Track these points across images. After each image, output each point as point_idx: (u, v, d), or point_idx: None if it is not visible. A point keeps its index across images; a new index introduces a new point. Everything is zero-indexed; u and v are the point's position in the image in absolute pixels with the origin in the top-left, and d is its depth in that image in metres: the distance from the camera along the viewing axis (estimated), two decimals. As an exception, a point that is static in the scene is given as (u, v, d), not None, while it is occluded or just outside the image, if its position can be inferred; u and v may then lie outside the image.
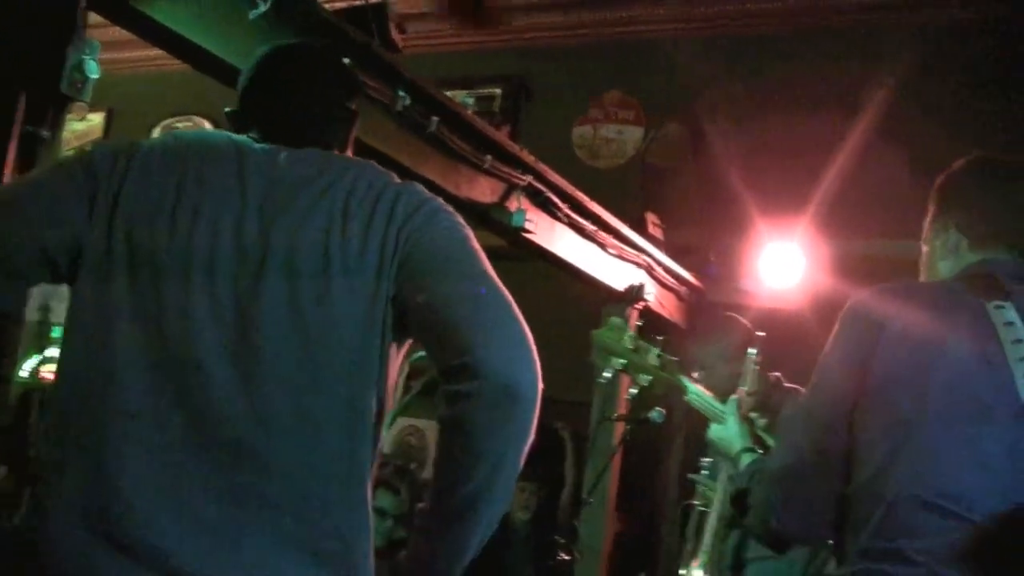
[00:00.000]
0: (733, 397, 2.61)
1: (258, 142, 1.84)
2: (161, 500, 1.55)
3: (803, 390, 4.06)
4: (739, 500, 2.33)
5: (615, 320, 2.55)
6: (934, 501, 1.79)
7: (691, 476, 3.14)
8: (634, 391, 2.51)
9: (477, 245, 1.78)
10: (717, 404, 2.61)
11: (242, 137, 1.85)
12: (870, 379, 1.92)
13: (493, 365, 1.60)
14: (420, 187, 1.85)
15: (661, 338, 2.50)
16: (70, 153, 1.94)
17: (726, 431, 2.59)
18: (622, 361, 2.44)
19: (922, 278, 2.29)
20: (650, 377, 2.47)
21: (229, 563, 1.55)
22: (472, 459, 1.62)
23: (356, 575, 1.66)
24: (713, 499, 3.07)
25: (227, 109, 1.98)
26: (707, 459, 3.14)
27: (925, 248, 2.28)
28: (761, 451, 2.55)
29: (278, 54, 2.00)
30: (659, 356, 2.47)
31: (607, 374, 2.44)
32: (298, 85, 1.95)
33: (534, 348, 1.66)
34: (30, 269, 1.70)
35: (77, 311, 1.67)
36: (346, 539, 1.64)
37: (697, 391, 2.56)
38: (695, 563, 2.98)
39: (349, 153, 2.02)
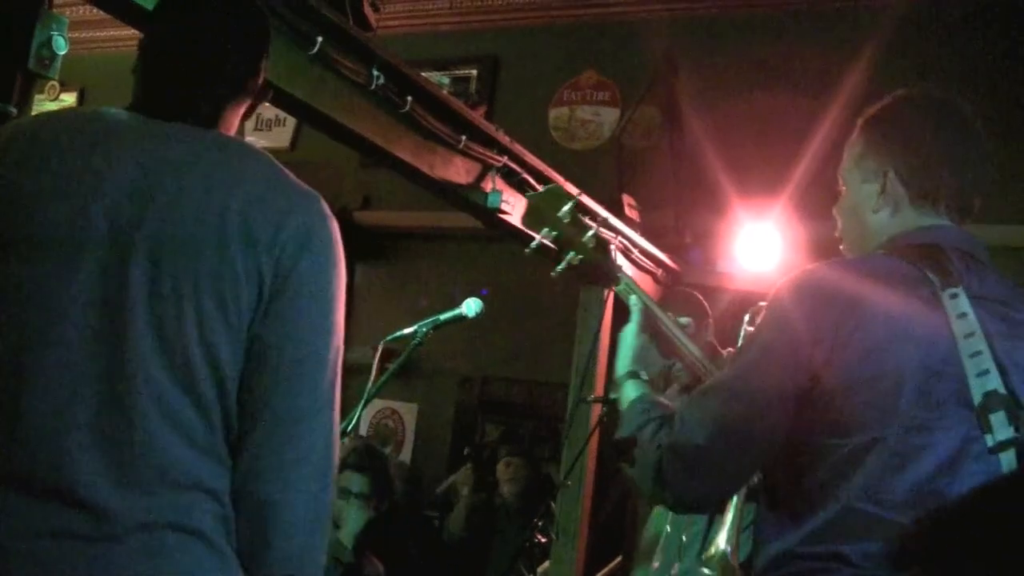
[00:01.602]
0: (654, 305, 2.27)
1: (137, 112, 1.77)
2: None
3: None
4: (622, 448, 2.01)
5: (555, 187, 2.29)
6: (884, 513, 1.69)
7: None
8: (560, 268, 2.23)
9: (339, 318, 1.76)
10: (646, 298, 2.28)
11: (115, 111, 1.78)
12: (833, 373, 1.74)
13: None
14: (325, 221, 1.78)
15: (599, 218, 2.29)
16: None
17: (626, 333, 2.24)
18: (554, 232, 2.19)
19: (841, 226, 2.12)
20: (581, 256, 2.22)
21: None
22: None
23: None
24: None
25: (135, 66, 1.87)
26: None
27: (846, 189, 2.08)
28: (647, 381, 2.18)
29: (165, 5, 1.88)
30: (595, 237, 2.22)
31: (534, 245, 2.20)
32: (187, 39, 1.82)
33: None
34: None
35: None
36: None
37: (630, 282, 2.29)
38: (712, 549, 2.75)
39: (237, 117, 1.89)
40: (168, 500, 1.60)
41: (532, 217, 2.21)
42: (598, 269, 2.27)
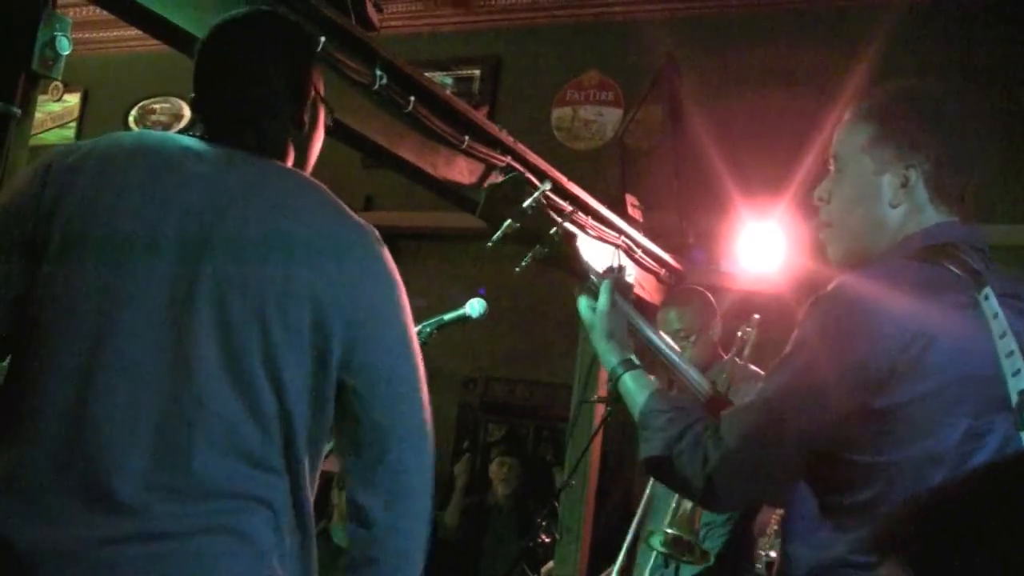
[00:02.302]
0: (608, 281, 2.14)
1: (203, 140, 1.83)
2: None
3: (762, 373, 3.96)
4: (661, 468, 1.90)
5: (517, 175, 2.18)
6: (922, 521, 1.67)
7: None
8: (523, 263, 2.11)
9: (414, 338, 1.91)
10: (620, 300, 2.15)
11: (186, 139, 1.83)
12: (885, 391, 1.68)
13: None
14: (385, 259, 1.89)
15: (570, 210, 2.14)
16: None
17: (596, 317, 2.11)
18: (516, 225, 2.06)
19: (837, 214, 1.98)
20: (546, 251, 2.09)
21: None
22: None
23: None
24: None
25: (191, 95, 1.92)
26: None
27: (847, 175, 1.97)
28: (644, 368, 2.06)
29: (218, 31, 1.92)
30: (561, 229, 2.09)
31: (495, 238, 2.08)
32: (237, 68, 1.88)
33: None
34: None
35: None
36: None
37: (597, 278, 2.16)
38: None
39: (294, 147, 1.95)
40: (217, 507, 1.63)
41: (491, 208, 2.09)
42: (566, 265, 2.15)
